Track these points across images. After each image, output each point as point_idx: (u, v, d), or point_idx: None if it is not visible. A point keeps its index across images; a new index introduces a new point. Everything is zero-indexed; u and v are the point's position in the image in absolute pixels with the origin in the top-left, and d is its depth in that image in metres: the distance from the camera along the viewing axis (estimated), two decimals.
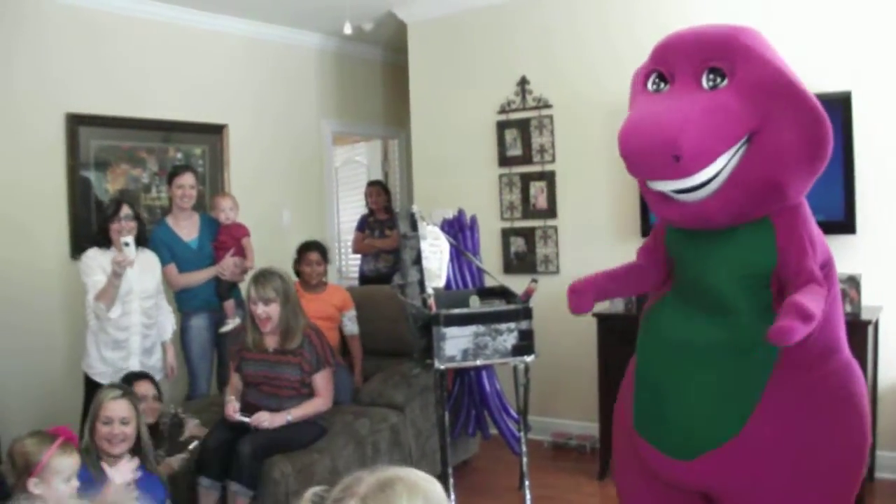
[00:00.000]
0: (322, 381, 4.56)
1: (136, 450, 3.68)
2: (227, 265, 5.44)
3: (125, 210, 4.88)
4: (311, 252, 5.60)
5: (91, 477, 3.32)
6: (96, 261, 4.80)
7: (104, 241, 4.85)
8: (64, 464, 3.09)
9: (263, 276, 4.52)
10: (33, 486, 3.04)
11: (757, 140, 2.73)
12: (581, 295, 3.27)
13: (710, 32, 2.89)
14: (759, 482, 2.91)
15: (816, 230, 2.96)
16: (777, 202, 2.83)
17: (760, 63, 2.77)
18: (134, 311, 4.85)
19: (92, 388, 4.65)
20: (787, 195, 2.82)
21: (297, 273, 5.61)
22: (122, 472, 3.33)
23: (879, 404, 4.98)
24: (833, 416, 2.91)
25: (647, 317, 3.27)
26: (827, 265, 2.94)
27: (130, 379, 4.36)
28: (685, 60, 2.87)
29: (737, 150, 2.76)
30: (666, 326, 3.13)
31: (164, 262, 5.29)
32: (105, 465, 3.37)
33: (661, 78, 2.96)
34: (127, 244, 4.60)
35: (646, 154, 2.73)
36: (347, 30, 6.19)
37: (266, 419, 4.35)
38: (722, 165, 2.75)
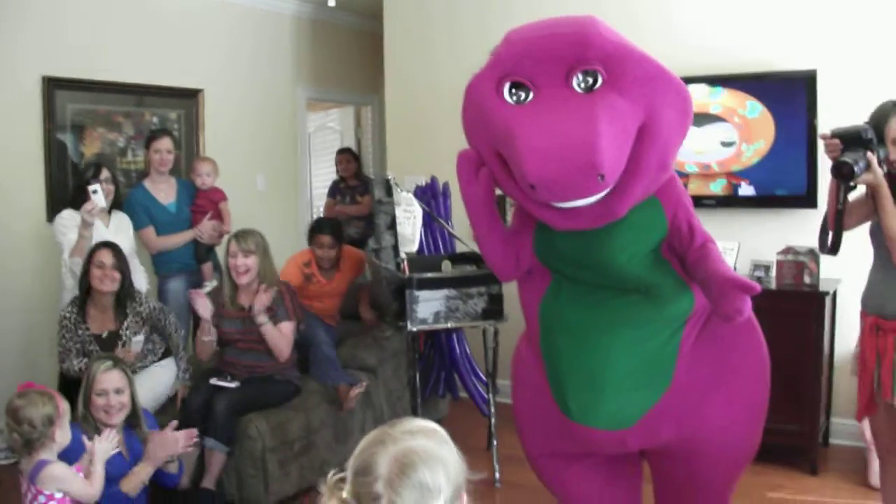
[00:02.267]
0: (286, 328, 4.65)
1: (132, 419, 3.79)
2: (206, 228, 5.51)
3: (105, 173, 4.96)
4: (323, 235, 5.36)
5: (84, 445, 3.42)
6: (72, 220, 4.84)
7: (80, 203, 4.81)
8: (67, 408, 3.30)
9: (244, 232, 4.67)
10: (60, 436, 3.23)
11: (645, 132, 2.69)
12: (473, 162, 2.98)
13: (561, 33, 2.75)
14: (697, 424, 3.06)
15: (684, 190, 3.05)
16: (662, 178, 2.86)
17: (626, 54, 2.71)
18: None
19: None
20: (669, 169, 2.88)
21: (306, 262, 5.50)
22: (104, 444, 3.39)
23: (836, 372, 5.16)
24: (741, 340, 3.11)
25: (545, 313, 3.14)
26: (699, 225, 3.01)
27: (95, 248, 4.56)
28: (548, 66, 2.70)
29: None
30: (571, 316, 3.06)
31: (141, 225, 5.35)
32: (85, 439, 3.42)
33: (519, 86, 2.77)
34: (95, 192, 4.65)
35: (565, 180, 2.56)
36: (332, 2, 6.20)
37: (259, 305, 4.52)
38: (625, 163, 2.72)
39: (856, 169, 3.07)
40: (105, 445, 3.38)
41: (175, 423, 3.84)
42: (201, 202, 5.64)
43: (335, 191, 7.63)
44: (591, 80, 2.67)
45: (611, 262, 2.91)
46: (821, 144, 4.88)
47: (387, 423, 1.73)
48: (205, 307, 4.58)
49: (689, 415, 3.05)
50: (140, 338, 4.56)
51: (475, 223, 3.07)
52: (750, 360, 3.14)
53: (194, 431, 3.85)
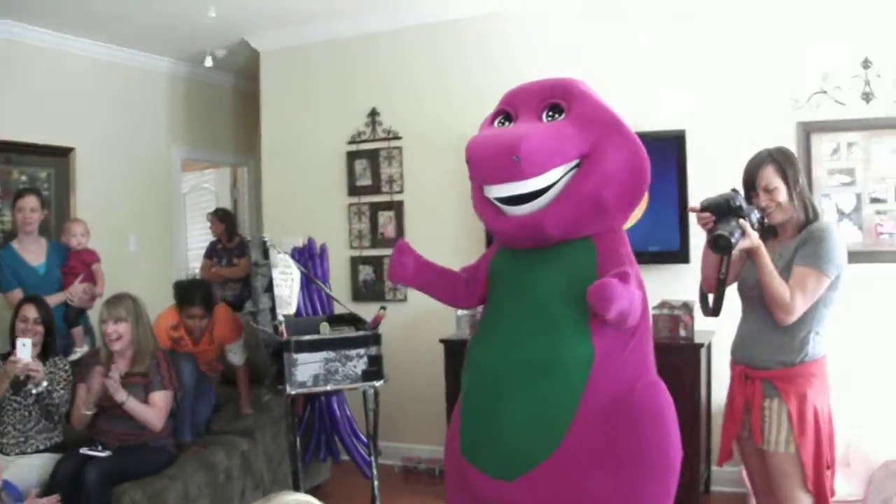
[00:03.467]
0: (159, 399, 4.54)
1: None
2: (77, 291, 5.36)
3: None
4: (193, 307, 5.15)
5: None
6: None
7: None
8: None
9: (116, 298, 4.57)
10: None
11: (587, 162, 3.07)
12: (404, 254, 3.44)
13: (550, 80, 3.29)
14: (575, 500, 3.04)
15: (633, 257, 3.23)
16: (600, 221, 3.13)
17: (591, 102, 3.18)
18: None
19: None
20: (610, 215, 3.14)
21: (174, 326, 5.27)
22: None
23: (714, 420, 5.26)
24: (644, 430, 3.07)
25: (468, 348, 3.39)
26: (641, 292, 3.12)
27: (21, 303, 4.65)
28: (528, 100, 3.24)
29: (570, 169, 3.08)
30: (483, 353, 3.26)
31: (9, 287, 5.20)
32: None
33: (507, 118, 3.27)
34: (24, 345, 4.43)
35: (489, 157, 3.02)
36: (209, 63, 6.17)
37: (114, 382, 4.36)
38: (556, 178, 3.05)
39: (732, 240, 3.15)
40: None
41: (35, 490, 3.68)
42: (73, 263, 5.49)
43: (212, 252, 7.51)
44: (555, 114, 3.15)
45: (536, 288, 3.16)
46: (693, 201, 5.12)
47: (263, 497, 1.70)
48: (101, 385, 4.42)
49: (569, 488, 3.03)
50: (28, 343, 4.40)
51: (421, 290, 3.55)
52: (648, 454, 3.06)
53: (55, 497, 3.68)
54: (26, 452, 4.49)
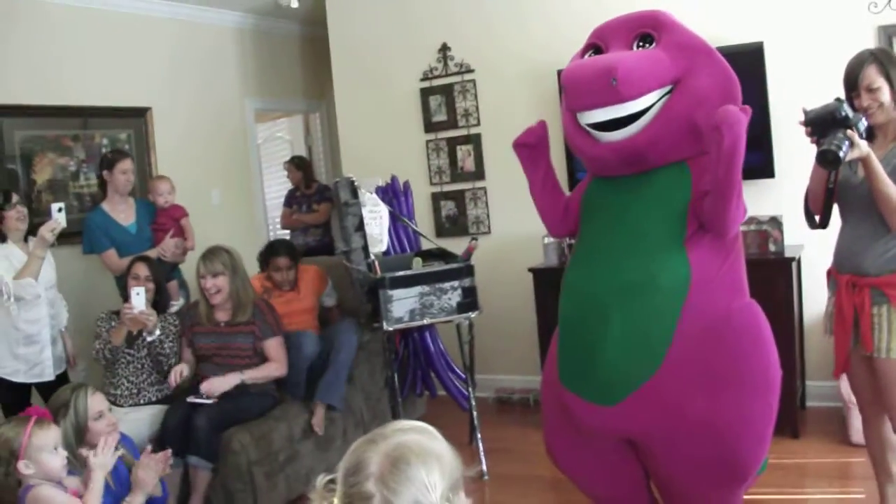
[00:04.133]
0: (274, 346, 4.65)
1: None
2: (168, 246, 5.43)
3: (16, 197, 4.85)
4: (280, 258, 5.25)
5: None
6: None
7: None
8: (46, 437, 3.13)
9: (211, 252, 4.63)
10: (24, 468, 3.07)
11: (681, 86, 3.05)
12: (541, 128, 3.51)
13: (638, 12, 3.26)
14: (678, 422, 3.04)
15: None
16: (695, 144, 3.09)
17: (682, 30, 3.16)
18: (42, 303, 4.79)
19: (3, 388, 4.70)
20: (703, 138, 3.05)
21: (268, 277, 5.39)
22: (101, 458, 3.26)
23: (806, 336, 5.22)
24: (744, 350, 3.07)
25: (564, 276, 3.39)
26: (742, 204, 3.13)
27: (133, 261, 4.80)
28: (618, 32, 3.22)
29: (665, 94, 3.05)
30: (579, 280, 3.26)
31: (103, 248, 5.28)
32: (83, 452, 3.33)
33: (597, 51, 3.24)
34: (60, 210, 4.58)
35: (586, 81, 3.01)
36: (295, 3, 6.15)
37: (217, 384, 4.44)
38: (652, 101, 3.03)
39: (840, 154, 3.04)
40: (103, 459, 3.26)
41: (150, 447, 3.75)
42: (162, 220, 5.58)
43: (291, 200, 7.58)
44: (646, 44, 3.13)
45: (632, 212, 3.15)
46: (774, 115, 5.04)
47: (379, 427, 1.66)
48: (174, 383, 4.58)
49: (670, 409, 3.03)
50: (142, 292, 4.52)
51: (527, 170, 3.56)
52: (749, 374, 3.07)
53: (167, 452, 3.75)
54: (139, 404, 4.63)
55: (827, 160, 3.08)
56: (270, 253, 5.31)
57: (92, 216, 5.45)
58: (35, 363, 4.76)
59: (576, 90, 3.07)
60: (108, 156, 5.57)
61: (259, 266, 5.45)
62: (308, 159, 8.29)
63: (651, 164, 3.11)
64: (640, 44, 3.13)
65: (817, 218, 3.44)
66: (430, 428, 1.65)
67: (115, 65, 6.54)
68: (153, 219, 5.59)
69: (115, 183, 5.42)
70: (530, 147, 3.48)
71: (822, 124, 3.14)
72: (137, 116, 6.71)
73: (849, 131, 3.07)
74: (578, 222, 3.43)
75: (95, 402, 3.52)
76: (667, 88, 3.05)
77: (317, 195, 7.41)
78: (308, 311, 5.30)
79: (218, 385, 4.45)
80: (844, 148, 3.04)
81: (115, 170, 5.40)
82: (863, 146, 3.09)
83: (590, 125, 3.13)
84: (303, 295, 5.30)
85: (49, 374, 4.83)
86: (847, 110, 3.12)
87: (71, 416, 3.45)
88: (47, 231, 4.54)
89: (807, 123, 3.21)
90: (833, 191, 3.30)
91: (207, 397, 4.47)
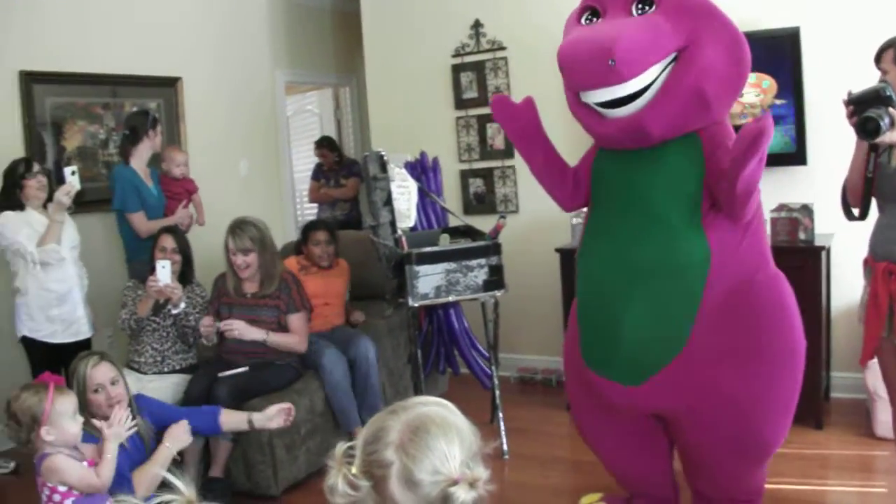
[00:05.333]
0: (297, 321, 4.66)
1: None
2: (184, 216, 5.47)
3: (37, 166, 4.86)
4: (319, 231, 5.31)
5: (95, 440, 3.34)
6: (18, 218, 4.73)
7: (16, 205, 4.76)
8: (67, 404, 3.16)
9: (240, 227, 4.61)
10: (46, 433, 3.10)
11: (684, 55, 2.92)
12: (503, 105, 3.45)
13: None
14: (706, 396, 3.05)
15: None
16: (704, 114, 3.01)
17: None
18: (69, 263, 4.82)
19: (40, 352, 4.76)
20: (713, 108, 3.01)
21: (300, 252, 5.43)
22: (117, 428, 3.32)
23: (834, 327, 5.17)
24: (768, 323, 3.06)
25: (579, 256, 3.37)
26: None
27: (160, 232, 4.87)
28: None
29: (667, 65, 2.95)
30: (595, 262, 3.24)
31: (134, 209, 5.25)
32: (96, 422, 3.35)
33: (594, 14, 3.13)
34: (74, 173, 4.60)
35: (583, 61, 2.89)
36: None
37: (241, 327, 4.48)
38: (654, 76, 2.93)
39: (882, 124, 2.97)
40: (119, 429, 3.31)
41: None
42: (177, 190, 5.60)
43: (319, 173, 7.59)
44: (646, 7, 2.97)
45: (644, 189, 3.09)
46: (809, 101, 4.98)
47: (400, 401, 1.67)
48: (210, 333, 4.63)
49: (698, 385, 3.04)
50: (167, 265, 4.52)
51: (522, 153, 3.49)
52: (774, 346, 3.07)
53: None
54: (163, 372, 4.66)
55: (866, 130, 3.01)
56: (310, 228, 5.36)
57: (124, 171, 5.37)
58: (71, 322, 4.82)
59: (573, 71, 2.98)
60: (156, 116, 5.60)
61: (294, 248, 5.45)
62: (335, 139, 8.26)
63: (658, 139, 3.04)
64: (640, 6, 2.99)
65: (856, 211, 3.37)
66: (450, 404, 1.65)
67: (147, 34, 6.53)
68: (167, 187, 5.61)
69: (153, 143, 5.45)
70: (517, 123, 3.42)
71: (866, 103, 3.07)
72: (168, 86, 6.69)
73: (892, 109, 3.00)
74: (589, 194, 3.38)
75: (98, 373, 3.51)
76: (670, 58, 2.94)
77: (344, 169, 7.42)
78: (340, 296, 5.32)
79: (243, 328, 4.48)
80: (886, 121, 2.98)
81: (156, 129, 5.45)
82: None
83: (593, 103, 3.07)
84: (338, 273, 5.33)
85: (86, 332, 4.90)
86: (892, 91, 3.06)
87: (76, 386, 3.47)
88: (63, 195, 4.56)
89: (850, 102, 3.13)
90: (872, 180, 3.23)
91: (237, 367, 4.51)
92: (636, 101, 2.95)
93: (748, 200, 2.90)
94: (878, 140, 3.04)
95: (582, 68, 2.91)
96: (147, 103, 6.49)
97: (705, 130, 3.05)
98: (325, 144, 7.73)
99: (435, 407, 1.61)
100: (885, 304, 3.30)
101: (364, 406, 4.82)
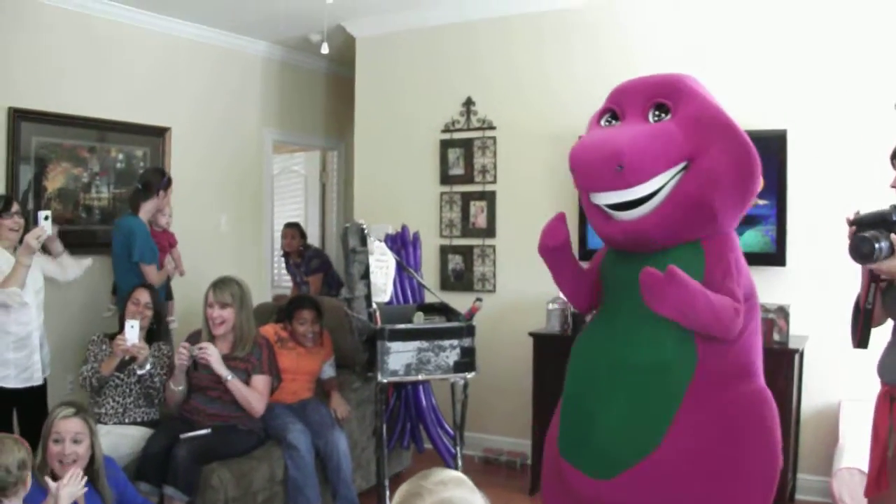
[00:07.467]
0: (261, 382, 4.59)
1: (89, 471, 3.46)
2: (170, 267, 5.52)
3: (16, 206, 4.81)
4: (305, 310, 5.13)
5: (44, 494, 3.21)
6: None
7: None
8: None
9: (223, 282, 4.62)
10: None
11: (694, 166, 2.99)
12: (562, 222, 3.36)
13: (658, 77, 3.23)
14: (672, 502, 3.03)
15: (743, 261, 3.19)
16: (708, 226, 3.07)
17: (699, 101, 3.08)
18: (32, 306, 4.72)
19: None
20: (718, 220, 3.06)
21: (280, 321, 5.28)
22: (69, 488, 3.17)
23: (802, 429, 5.17)
24: (745, 438, 3.04)
25: (575, 344, 3.40)
26: (750, 297, 3.13)
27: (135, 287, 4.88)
28: (635, 98, 3.19)
29: (676, 173, 3.01)
30: (588, 350, 3.27)
31: (153, 260, 5.41)
32: (49, 480, 3.21)
33: (614, 116, 3.21)
34: (46, 218, 4.53)
35: (592, 164, 2.98)
36: (325, 49, 6.12)
37: (213, 354, 4.42)
38: (661, 184, 2.99)
39: (876, 247, 2.81)
40: (71, 489, 3.17)
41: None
42: (160, 241, 5.67)
43: (287, 266, 7.66)
44: (662, 114, 3.07)
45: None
46: (791, 203, 5.02)
47: (416, 475, 1.72)
48: (184, 358, 4.49)
49: (666, 490, 3.01)
50: (136, 325, 4.47)
51: (551, 265, 3.47)
52: (750, 464, 3.04)
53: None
54: (123, 422, 4.59)
55: (860, 253, 2.84)
56: (296, 305, 5.22)
57: (141, 225, 5.53)
58: (25, 367, 4.69)
59: (583, 174, 3.06)
60: (170, 177, 5.78)
61: (276, 316, 5.37)
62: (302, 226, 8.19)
63: (660, 245, 3.08)
64: (657, 113, 3.08)
65: (859, 336, 3.13)
66: (468, 480, 1.72)
67: (139, 82, 6.55)
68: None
69: (161, 203, 5.60)
70: (558, 250, 3.37)
71: (869, 225, 2.91)
72: (156, 135, 6.70)
73: (893, 235, 2.83)
74: (600, 294, 3.44)
75: (64, 425, 3.44)
76: (679, 167, 3.00)
77: (303, 265, 7.39)
78: (312, 375, 5.19)
79: (215, 356, 4.42)
80: (883, 245, 2.81)
81: (168, 191, 5.60)
82: None
83: (602, 205, 3.13)
84: (315, 357, 5.19)
85: (38, 379, 4.77)
86: None
87: (43, 430, 3.43)
88: (33, 238, 4.48)
89: (854, 223, 2.98)
90: (870, 311, 3.04)
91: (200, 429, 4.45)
92: (643, 205, 3.02)
93: (724, 332, 2.94)
94: (873, 266, 2.89)
95: (591, 171, 3.00)
96: (134, 151, 6.50)
97: (709, 242, 3.09)
98: (294, 226, 7.67)
99: (456, 489, 1.66)
100: (885, 430, 3.08)
101: (337, 498, 4.78)
